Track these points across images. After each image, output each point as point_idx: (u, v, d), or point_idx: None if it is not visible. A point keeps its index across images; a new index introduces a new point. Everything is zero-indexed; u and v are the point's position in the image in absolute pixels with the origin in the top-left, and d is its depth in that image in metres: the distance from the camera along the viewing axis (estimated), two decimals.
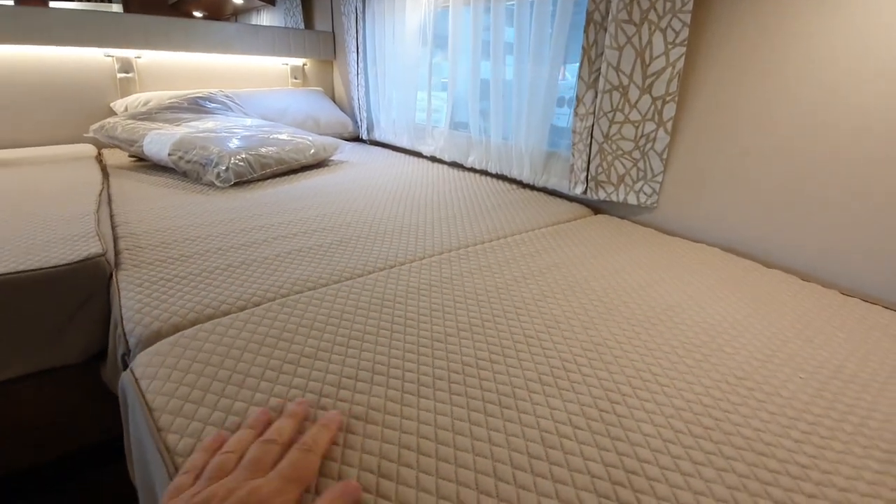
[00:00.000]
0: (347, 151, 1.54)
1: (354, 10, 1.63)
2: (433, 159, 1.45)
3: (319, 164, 1.36)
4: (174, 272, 0.65)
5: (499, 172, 1.21)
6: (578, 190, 0.98)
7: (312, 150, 1.31)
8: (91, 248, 0.67)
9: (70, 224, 0.76)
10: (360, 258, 0.72)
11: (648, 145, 0.87)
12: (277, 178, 1.20)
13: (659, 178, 0.89)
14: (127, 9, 1.89)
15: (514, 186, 1.16)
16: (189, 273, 0.65)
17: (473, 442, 0.37)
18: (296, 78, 1.94)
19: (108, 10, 1.86)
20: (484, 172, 1.28)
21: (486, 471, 0.34)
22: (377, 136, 1.73)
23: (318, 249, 0.75)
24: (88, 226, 0.75)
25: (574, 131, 0.95)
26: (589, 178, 0.95)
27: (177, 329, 0.53)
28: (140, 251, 0.71)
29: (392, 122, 1.61)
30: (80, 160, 1.28)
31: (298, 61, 1.94)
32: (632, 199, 0.93)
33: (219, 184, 1.09)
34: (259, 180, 1.17)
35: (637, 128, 0.87)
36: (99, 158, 1.37)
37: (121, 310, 0.57)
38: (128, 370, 0.46)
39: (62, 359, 0.65)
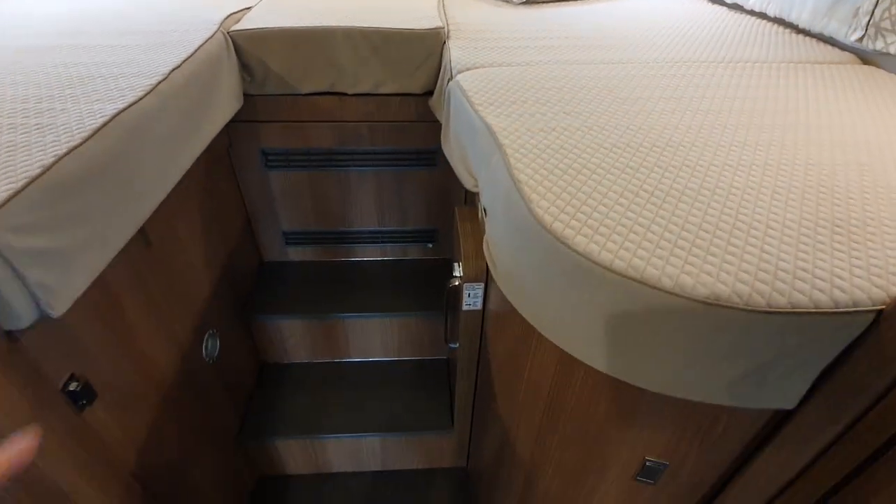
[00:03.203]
0: None
1: None
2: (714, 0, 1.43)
3: None
4: (484, 45, 1.01)
5: (777, 16, 1.16)
6: (854, 37, 0.93)
7: None
8: (436, 23, 1.07)
9: (424, 10, 1.18)
10: (612, 54, 0.95)
11: None
12: (562, 2, 1.43)
13: None
14: None
15: (788, 30, 1.12)
16: (494, 46, 1.00)
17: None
18: None
19: None
20: (762, 16, 1.24)
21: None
22: None
23: (584, 47, 1.00)
24: (434, 13, 1.16)
25: None
26: (871, 23, 0.89)
27: (484, 67, 0.89)
28: (461, 32, 1.09)
29: None
30: None
31: None
32: None
33: (515, 0, 1.39)
34: (546, 1, 1.42)
35: None
36: None
37: (450, 60, 0.96)
38: (453, 81, 0.85)
39: (411, 89, 1.11)
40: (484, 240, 0.64)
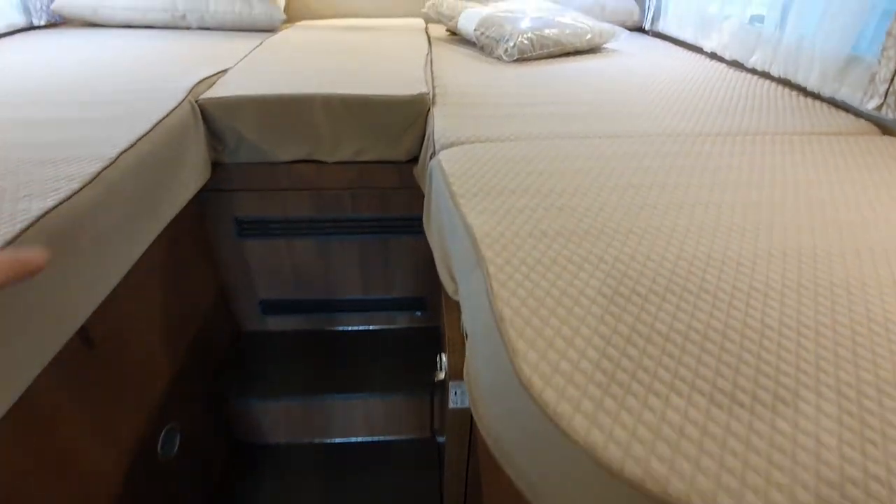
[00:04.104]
0: (623, 41, 1.57)
1: None
2: (713, 56, 1.37)
3: (592, 49, 1.46)
4: (471, 112, 0.93)
5: (781, 76, 1.10)
6: (871, 104, 0.86)
7: (589, 36, 1.41)
8: (420, 88, 1.00)
9: (410, 72, 1.11)
10: (607, 124, 0.88)
11: None
12: (553, 59, 1.37)
13: None
14: None
15: (795, 93, 1.06)
16: (481, 114, 0.92)
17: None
18: None
19: None
20: (765, 75, 1.18)
21: None
22: (661, 26, 1.67)
23: (576, 115, 0.93)
24: (420, 75, 1.09)
25: (889, 34, 0.81)
26: (890, 91, 0.82)
27: (469, 142, 0.81)
28: (448, 96, 1.03)
29: (680, 10, 1.54)
30: (413, 30, 1.69)
31: None
32: None
33: (505, 58, 1.33)
34: (537, 59, 1.37)
35: None
36: (426, 30, 1.77)
37: (433, 129, 0.88)
38: (435, 158, 0.77)
39: (395, 156, 1.04)
40: (465, 368, 0.54)
